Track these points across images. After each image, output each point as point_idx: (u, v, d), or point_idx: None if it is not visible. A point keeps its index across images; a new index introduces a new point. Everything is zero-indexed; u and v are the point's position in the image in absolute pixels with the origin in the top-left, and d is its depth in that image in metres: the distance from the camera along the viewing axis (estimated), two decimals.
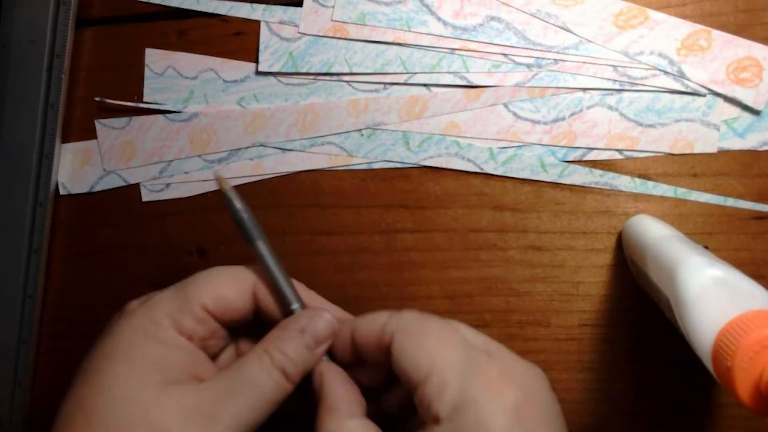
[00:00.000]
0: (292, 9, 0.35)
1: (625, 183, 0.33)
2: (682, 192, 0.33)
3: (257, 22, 0.36)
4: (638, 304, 0.33)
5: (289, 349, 0.26)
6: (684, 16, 0.33)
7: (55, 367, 0.39)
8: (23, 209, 0.37)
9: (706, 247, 0.32)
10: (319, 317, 0.27)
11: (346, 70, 0.35)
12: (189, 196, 0.38)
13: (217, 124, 0.37)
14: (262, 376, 0.25)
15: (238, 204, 0.28)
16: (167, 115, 0.37)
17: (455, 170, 0.35)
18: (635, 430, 0.33)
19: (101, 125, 0.38)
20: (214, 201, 0.38)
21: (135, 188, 0.39)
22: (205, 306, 0.26)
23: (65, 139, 0.39)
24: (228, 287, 0.27)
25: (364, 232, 0.36)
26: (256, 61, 0.36)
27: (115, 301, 0.37)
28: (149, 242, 0.38)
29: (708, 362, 0.21)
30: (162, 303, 0.26)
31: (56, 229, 0.39)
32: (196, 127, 0.37)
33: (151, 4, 0.37)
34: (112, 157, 0.38)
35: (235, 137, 0.37)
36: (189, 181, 0.37)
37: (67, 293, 0.39)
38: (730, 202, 0.32)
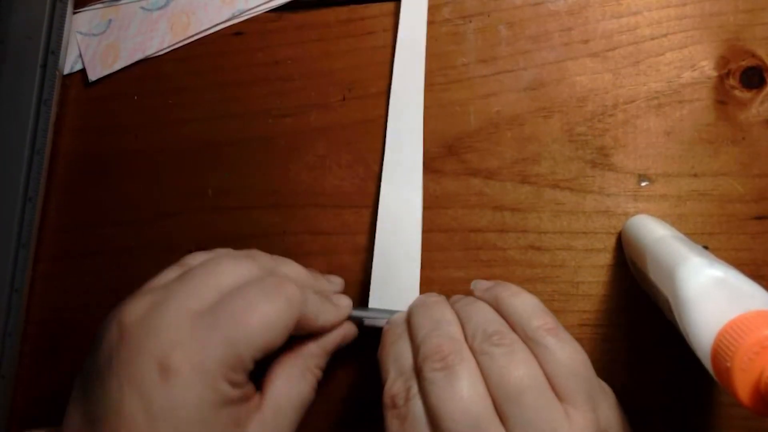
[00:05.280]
0: None
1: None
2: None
3: None
4: (638, 304, 0.33)
5: (322, 363, 0.30)
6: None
7: (44, 364, 0.39)
8: (13, 203, 0.37)
9: (706, 247, 0.32)
10: (350, 335, 0.32)
11: None
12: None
13: (194, 2, 0.37)
14: (308, 390, 0.29)
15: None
16: (143, 5, 0.37)
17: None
18: (634, 429, 0.33)
19: (82, 35, 0.38)
20: (213, 201, 0.38)
21: (133, 186, 0.39)
22: (256, 359, 0.26)
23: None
24: (278, 336, 0.27)
25: (364, 232, 0.36)
26: None
27: (115, 301, 0.38)
28: (149, 242, 0.38)
29: (707, 362, 0.21)
30: (217, 366, 0.25)
31: (48, 227, 0.39)
32: (174, 11, 0.37)
33: None
34: (96, 65, 0.38)
35: (214, 12, 0.36)
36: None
37: (64, 293, 0.39)
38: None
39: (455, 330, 0.28)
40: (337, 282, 0.35)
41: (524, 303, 0.28)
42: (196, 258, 0.30)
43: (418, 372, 0.27)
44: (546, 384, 0.26)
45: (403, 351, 0.29)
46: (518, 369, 0.26)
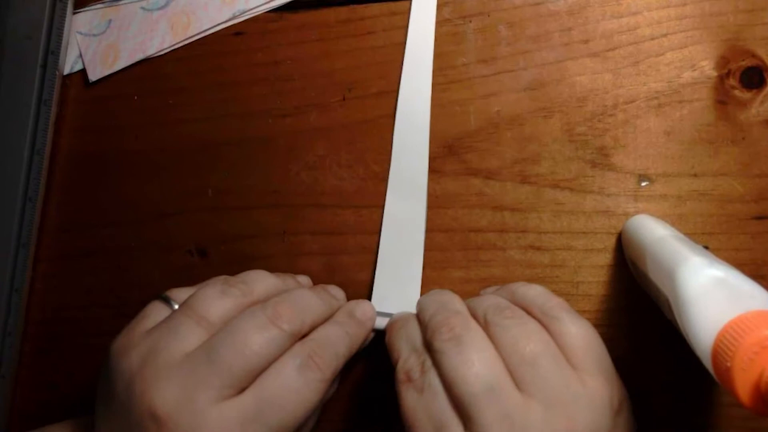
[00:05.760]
0: None
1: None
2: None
3: None
4: (638, 304, 0.33)
5: (341, 368, 0.31)
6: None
7: (44, 364, 0.39)
8: (13, 203, 0.37)
9: (706, 247, 0.32)
10: (367, 340, 0.33)
11: None
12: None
13: (194, 2, 0.37)
14: (330, 393, 0.32)
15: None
16: (144, 5, 0.37)
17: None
18: None
19: (82, 36, 0.38)
20: (213, 201, 0.38)
21: (133, 186, 0.39)
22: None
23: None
24: (316, 403, 0.28)
25: (365, 232, 0.36)
26: None
27: (115, 302, 0.38)
28: (149, 242, 0.38)
29: (708, 362, 0.21)
30: None
31: (48, 226, 0.39)
32: (174, 11, 0.37)
33: None
34: (96, 65, 0.38)
35: (215, 12, 0.36)
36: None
37: (64, 293, 0.39)
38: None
39: (461, 308, 0.29)
40: (339, 294, 0.35)
41: (537, 290, 0.30)
42: (211, 306, 0.28)
43: (428, 347, 0.28)
44: (560, 353, 0.26)
45: (413, 332, 0.30)
46: (531, 337, 0.26)
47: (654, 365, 0.33)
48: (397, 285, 0.35)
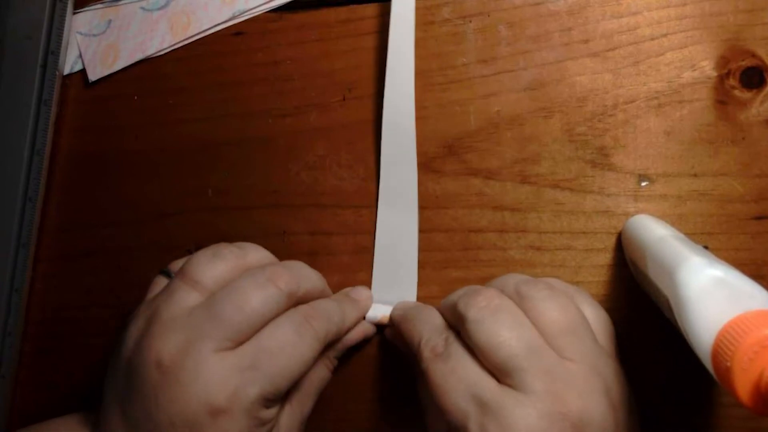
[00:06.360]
0: None
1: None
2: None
3: None
4: (638, 304, 0.33)
5: (339, 354, 0.34)
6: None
7: (44, 364, 0.39)
8: (13, 203, 0.37)
9: (706, 247, 0.32)
10: (369, 333, 0.35)
11: None
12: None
13: (194, 2, 0.37)
14: (327, 374, 0.33)
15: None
16: (143, 5, 0.37)
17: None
18: None
19: (82, 36, 0.38)
20: (213, 201, 0.38)
21: (133, 186, 0.39)
22: (291, 385, 0.29)
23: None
24: (310, 364, 0.29)
25: (364, 232, 0.36)
26: None
27: (115, 302, 0.38)
28: (149, 242, 0.38)
29: (708, 362, 0.21)
30: (259, 400, 0.27)
31: (48, 227, 0.39)
32: (174, 11, 0.37)
33: None
34: (96, 65, 0.38)
35: (214, 12, 0.37)
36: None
37: (64, 293, 0.39)
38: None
39: (489, 287, 0.30)
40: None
41: (556, 280, 0.32)
42: (205, 269, 0.30)
43: (460, 320, 0.28)
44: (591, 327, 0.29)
45: (431, 317, 0.31)
46: (568, 308, 0.28)
47: (654, 365, 0.33)
48: (395, 279, 0.35)
